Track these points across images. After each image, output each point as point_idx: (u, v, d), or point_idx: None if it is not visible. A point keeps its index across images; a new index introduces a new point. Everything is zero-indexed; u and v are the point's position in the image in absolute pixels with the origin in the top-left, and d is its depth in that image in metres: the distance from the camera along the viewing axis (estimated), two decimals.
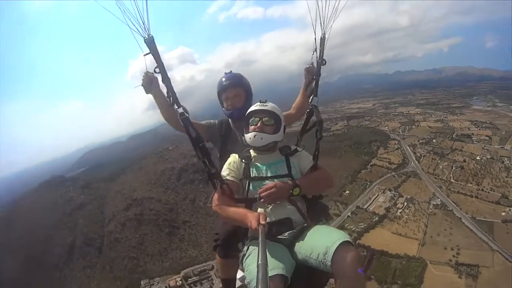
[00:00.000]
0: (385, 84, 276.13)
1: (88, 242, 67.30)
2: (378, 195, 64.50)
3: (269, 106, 2.88)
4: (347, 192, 67.61)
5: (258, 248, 1.69)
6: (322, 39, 3.15)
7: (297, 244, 2.42)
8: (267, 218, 2.31)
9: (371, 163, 76.16)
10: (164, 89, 2.87)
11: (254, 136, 2.77)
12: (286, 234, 2.49)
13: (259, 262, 1.53)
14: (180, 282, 53.22)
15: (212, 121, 3.70)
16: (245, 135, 2.91)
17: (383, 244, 51.39)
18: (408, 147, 79.89)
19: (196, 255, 60.60)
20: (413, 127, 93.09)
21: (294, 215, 2.59)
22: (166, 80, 2.76)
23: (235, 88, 3.47)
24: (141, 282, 54.20)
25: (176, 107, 2.84)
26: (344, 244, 2.08)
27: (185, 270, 55.28)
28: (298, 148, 3.01)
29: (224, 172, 2.84)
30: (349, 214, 61.17)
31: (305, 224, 2.57)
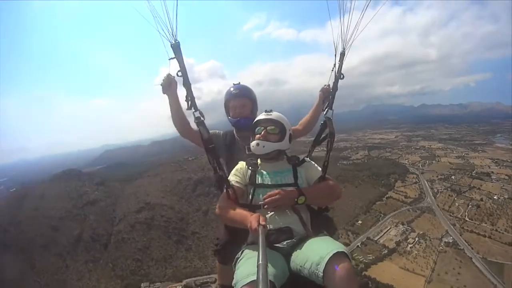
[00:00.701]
0: (410, 116, 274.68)
1: (95, 237, 67.84)
2: (390, 228, 63.31)
3: (274, 115, 2.91)
4: (360, 222, 66.77)
5: (259, 248, 1.70)
6: (342, 55, 3.21)
7: (294, 253, 2.37)
8: (268, 226, 2.35)
9: (387, 195, 75.19)
10: (182, 94, 3.00)
11: (257, 144, 2.79)
12: (285, 243, 2.44)
13: (259, 262, 1.54)
14: None
15: (217, 131, 3.74)
16: (250, 144, 2.93)
17: (389, 278, 50.10)
18: (426, 182, 78.56)
19: (201, 267, 59.97)
20: (433, 162, 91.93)
21: (296, 224, 2.55)
22: (187, 84, 2.88)
23: (243, 98, 3.54)
24: (141, 285, 54.11)
25: (193, 110, 2.95)
26: (338, 255, 2.03)
27: (187, 280, 54.88)
28: (306, 158, 3.04)
29: (231, 177, 2.87)
30: (358, 244, 60.03)
31: (306, 235, 2.52)
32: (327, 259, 1.99)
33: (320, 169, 2.89)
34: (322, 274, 1.98)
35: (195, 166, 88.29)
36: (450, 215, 64.47)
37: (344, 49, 3.16)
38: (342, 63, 3.22)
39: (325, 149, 3.08)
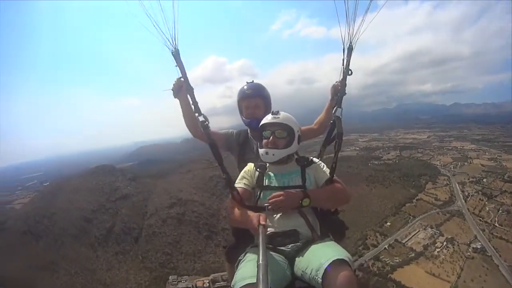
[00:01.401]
0: (442, 115, 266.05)
1: (126, 230, 69.59)
2: (419, 230, 62.28)
3: (281, 117, 2.84)
4: (388, 223, 66.07)
5: (259, 249, 1.72)
6: (349, 50, 3.19)
7: (297, 257, 2.32)
8: (273, 228, 2.45)
9: (417, 197, 73.90)
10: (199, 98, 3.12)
11: (266, 153, 2.78)
12: (289, 246, 2.40)
13: (260, 262, 1.56)
14: (208, 284, 53.69)
15: (230, 130, 3.81)
16: (258, 149, 2.92)
17: (414, 282, 49.67)
18: (457, 185, 76.67)
19: None
20: (465, 163, 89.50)
21: (302, 228, 2.50)
22: (189, 89, 3.04)
23: (256, 98, 3.54)
24: (169, 277, 55.54)
25: (197, 115, 3.07)
26: (339, 261, 1.98)
27: (214, 274, 55.84)
28: (314, 159, 2.99)
29: (238, 179, 2.89)
30: (386, 246, 59.49)
31: (312, 239, 2.47)
32: (326, 265, 1.96)
33: (328, 171, 2.85)
34: (321, 280, 1.95)
35: (227, 163, 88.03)
36: (480, 220, 62.75)
37: (351, 43, 3.16)
38: (350, 59, 3.21)
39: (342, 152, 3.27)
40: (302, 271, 2.17)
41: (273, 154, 2.74)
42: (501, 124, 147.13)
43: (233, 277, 2.52)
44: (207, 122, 3.04)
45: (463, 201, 70.42)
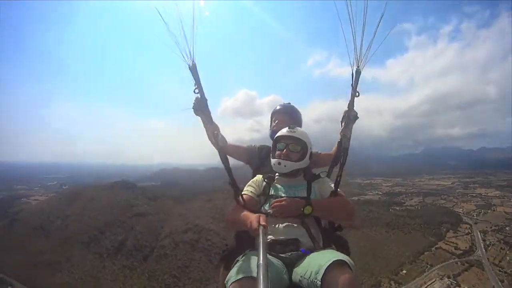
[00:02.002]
0: (469, 161, 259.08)
1: (138, 247, 69.78)
2: (435, 280, 59.31)
3: (297, 132, 2.95)
4: (404, 271, 63.50)
5: (259, 249, 1.69)
6: (357, 72, 3.18)
7: (296, 265, 2.31)
8: (273, 236, 2.48)
9: (436, 246, 71.26)
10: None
11: (279, 163, 2.85)
12: (289, 254, 2.39)
13: (260, 262, 1.52)
14: None
15: (253, 144, 3.90)
16: (271, 159, 3.01)
17: None
18: (478, 233, 73.76)
19: None
20: (489, 211, 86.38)
21: (303, 237, 2.53)
22: (203, 101, 3.02)
23: (286, 115, 3.68)
24: None
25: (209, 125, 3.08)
26: (338, 263, 1.96)
27: None
28: (321, 174, 3.08)
29: (246, 187, 2.96)
30: None
31: (313, 249, 2.48)
32: (325, 267, 1.93)
33: (333, 185, 2.90)
34: (320, 283, 1.91)
35: (241, 173, 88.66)
36: (500, 270, 59.78)
37: (358, 67, 3.18)
38: (358, 81, 3.21)
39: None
40: (301, 277, 2.15)
41: (285, 166, 2.85)
42: None
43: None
44: (216, 132, 3.10)
45: (484, 250, 67.48)
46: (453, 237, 74.33)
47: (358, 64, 3.10)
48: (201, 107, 3.03)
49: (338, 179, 2.85)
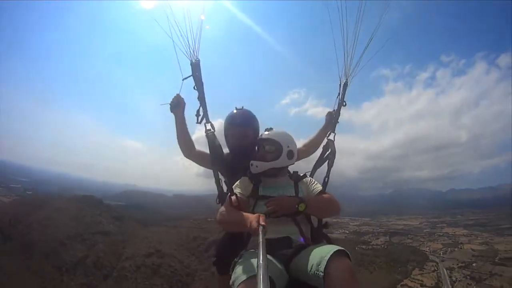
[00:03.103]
0: (438, 201, 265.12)
1: (98, 265, 67.26)
2: None
3: (272, 133, 3.06)
4: None
5: (259, 248, 1.67)
6: (345, 85, 3.59)
7: (293, 261, 2.36)
8: (266, 235, 2.32)
9: (402, 283, 71.61)
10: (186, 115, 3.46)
11: (251, 164, 2.98)
12: (284, 251, 2.45)
13: (260, 262, 1.50)
14: None
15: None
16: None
17: None
18: (445, 270, 74.34)
19: None
20: (456, 249, 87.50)
21: (295, 235, 2.63)
22: (202, 97, 3.24)
23: (245, 128, 3.52)
24: None
25: (206, 122, 3.30)
26: (339, 253, 2.05)
27: None
28: (307, 174, 3.25)
29: (234, 189, 2.96)
30: None
31: (305, 245, 2.57)
32: (328, 257, 1.99)
33: (320, 185, 3.09)
34: (323, 274, 1.96)
35: (213, 228, 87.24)
36: None
37: (347, 80, 3.60)
38: (345, 92, 3.65)
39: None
40: (301, 270, 2.20)
41: (257, 166, 2.97)
42: (497, 207, 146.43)
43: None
44: (213, 130, 3.31)
45: (450, 286, 68.42)
46: (419, 274, 74.82)
47: (346, 78, 3.58)
48: (178, 106, 3.35)
49: (326, 180, 3.22)
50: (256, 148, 3.18)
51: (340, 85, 3.59)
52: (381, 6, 3.57)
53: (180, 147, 3.45)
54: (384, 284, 71.15)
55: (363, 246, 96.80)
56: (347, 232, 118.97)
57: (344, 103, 3.64)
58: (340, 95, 3.64)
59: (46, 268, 61.90)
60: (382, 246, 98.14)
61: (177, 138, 3.42)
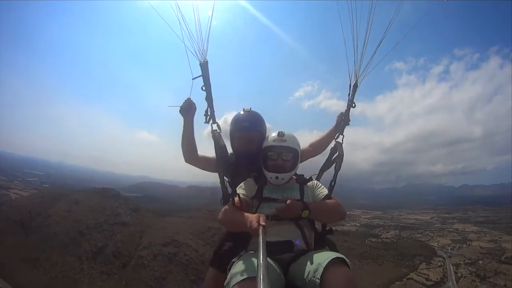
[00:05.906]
0: (450, 197, 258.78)
1: (117, 254, 69.83)
2: None
3: (288, 141, 2.96)
4: None
5: (259, 248, 1.64)
6: (355, 86, 3.40)
7: (292, 265, 2.32)
8: (267, 238, 2.26)
9: (408, 277, 72.27)
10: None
11: (276, 177, 2.89)
12: (284, 255, 2.40)
13: (260, 262, 1.46)
14: None
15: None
16: (265, 172, 3.00)
17: None
18: (451, 266, 74.80)
19: None
20: (464, 245, 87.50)
21: (298, 239, 2.56)
22: (210, 98, 3.17)
23: (252, 132, 3.39)
24: None
25: (212, 122, 3.22)
26: (336, 261, 2.00)
27: None
28: (312, 177, 3.18)
29: (237, 189, 2.94)
30: None
31: (307, 250, 2.51)
32: (324, 265, 1.95)
33: (326, 189, 2.98)
34: (319, 281, 1.92)
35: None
36: None
37: (357, 81, 3.42)
38: (355, 93, 3.46)
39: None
40: (299, 276, 2.17)
41: (283, 178, 2.93)
42: (509, 205, 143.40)
43: (218, 286, 2.67)
44: (219, 131, 3.24)
45: (455, 282, 68.86)
46: (425, 269, 75.24)
47: (356, 78, 3.41)
48: (189, 111, 3.26)
49: (333, 184, 3.02)
50: (267, 153, 3.02)
51: (350, 86, 3.45)
52: (394, 5, 3.41)
53: (183, 151, 3.39)
54: (391, 276, 71.98)
55: (373, 239, 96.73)
56: (358, 225, 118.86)
57: (353, 105, 3.53)
58: (350, 97, 3.50)
59: (66, 258, 64.43)
60: (392, 239, 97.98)
61: (182, 141, 3.36)
